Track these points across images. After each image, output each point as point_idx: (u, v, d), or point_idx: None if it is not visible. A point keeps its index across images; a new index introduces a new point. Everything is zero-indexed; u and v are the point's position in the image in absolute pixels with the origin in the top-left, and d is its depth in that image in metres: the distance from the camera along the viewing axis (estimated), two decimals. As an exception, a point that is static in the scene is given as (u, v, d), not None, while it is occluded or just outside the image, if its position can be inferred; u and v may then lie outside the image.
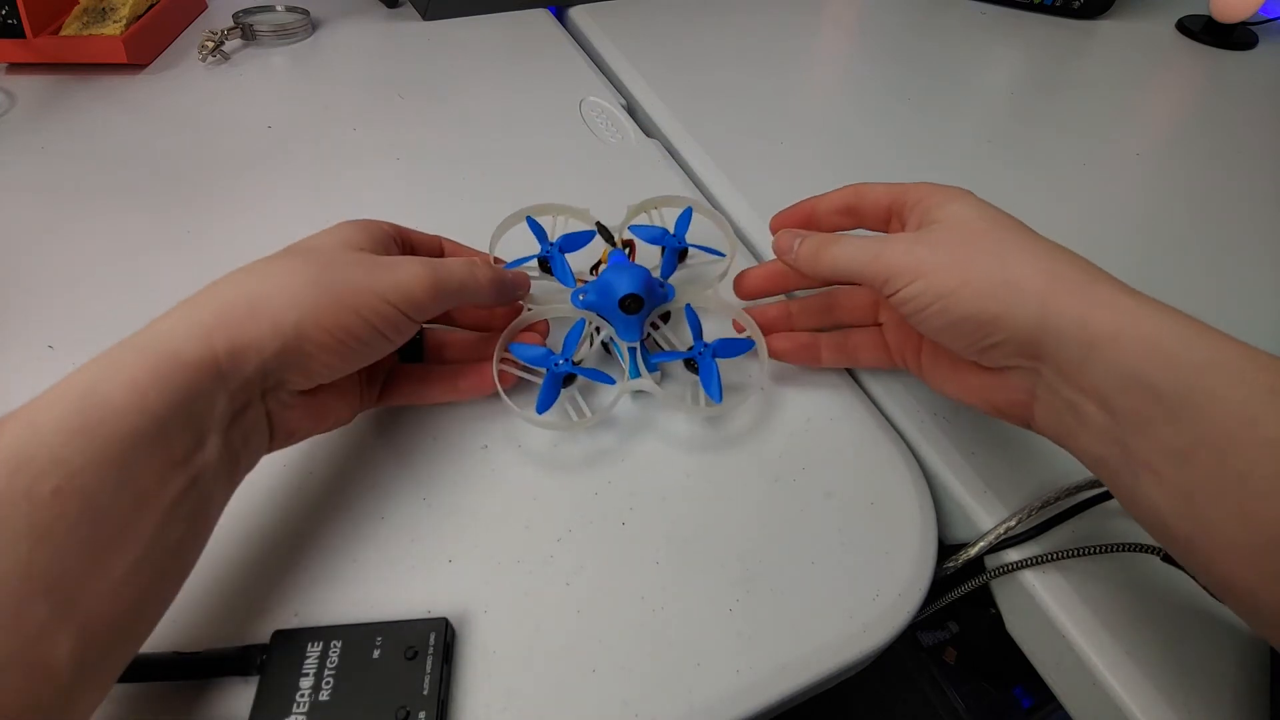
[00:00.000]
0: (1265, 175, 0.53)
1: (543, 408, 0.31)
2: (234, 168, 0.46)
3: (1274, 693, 0.26)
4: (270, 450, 0.26)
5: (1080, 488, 0.31)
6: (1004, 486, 0.32)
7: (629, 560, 0.29)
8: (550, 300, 0.35)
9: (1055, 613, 0.29)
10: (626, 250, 0.36)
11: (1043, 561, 0.30)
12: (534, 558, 0.29)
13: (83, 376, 0.21)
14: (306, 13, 0.60)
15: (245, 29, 0.57)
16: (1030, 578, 0.30)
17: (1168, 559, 0.28)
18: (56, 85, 0.52)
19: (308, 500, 0.30)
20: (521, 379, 0.33)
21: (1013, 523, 0.30)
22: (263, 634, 0.25)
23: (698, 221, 0.38)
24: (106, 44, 0.52)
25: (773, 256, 0.33)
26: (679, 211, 0.38)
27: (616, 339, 0.34)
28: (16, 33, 0.50)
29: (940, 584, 0.31)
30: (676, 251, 0.37)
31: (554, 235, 0.36)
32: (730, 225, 0.39)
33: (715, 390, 0.32)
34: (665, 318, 0.37)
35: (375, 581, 0.28)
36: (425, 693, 0.24)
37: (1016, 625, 0.31)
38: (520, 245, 0.36)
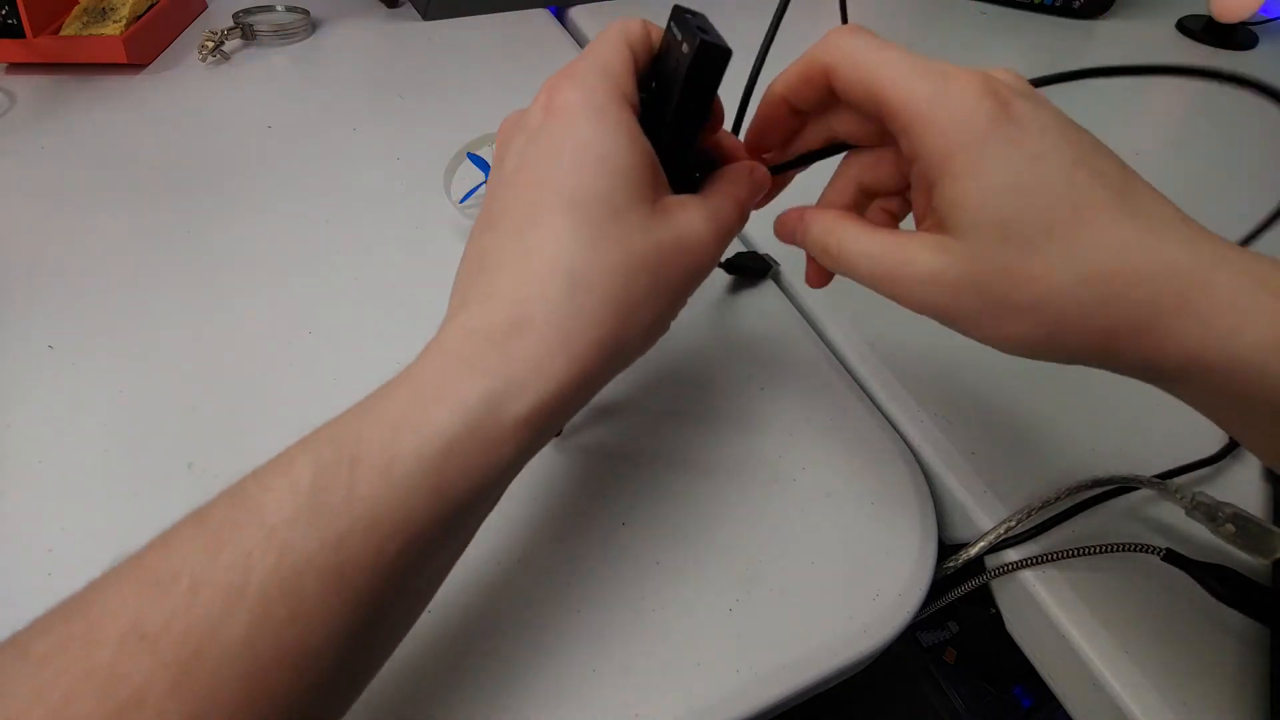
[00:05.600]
0: (1265, 176, 0.53)
1: None
2: (234, 167, 0.46)
3: (1274, 693, 0.26)
4: None
5: (1080, 487, 0.31)
6: (1004, 486, 0.32)
7: (629, 560, 0.29)
8: None
9: (1055, 613, 0.29)
10: None
11: (1043, 561, 0.30)
12: (533, 557, 0.29)
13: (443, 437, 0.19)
14: (306, 13, 0.60)
15: (245, 29, 0.57)
16: (1030, 578, 0.30)
17: (1168, 559, 0.28)
18: (56, 85, 0.52)
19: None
20: None
21: (1013, 523, 0.30)
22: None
23: None
24: (106, 44, 0.52)
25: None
26: None
27: None
28: (16, 33, 0.50)
29: (940, 584, 0.31)
30: None
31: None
32: None
33: None
34: None
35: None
36: None
37: (1016, 625, 0.31)
38: (470, 180, 0.42)
